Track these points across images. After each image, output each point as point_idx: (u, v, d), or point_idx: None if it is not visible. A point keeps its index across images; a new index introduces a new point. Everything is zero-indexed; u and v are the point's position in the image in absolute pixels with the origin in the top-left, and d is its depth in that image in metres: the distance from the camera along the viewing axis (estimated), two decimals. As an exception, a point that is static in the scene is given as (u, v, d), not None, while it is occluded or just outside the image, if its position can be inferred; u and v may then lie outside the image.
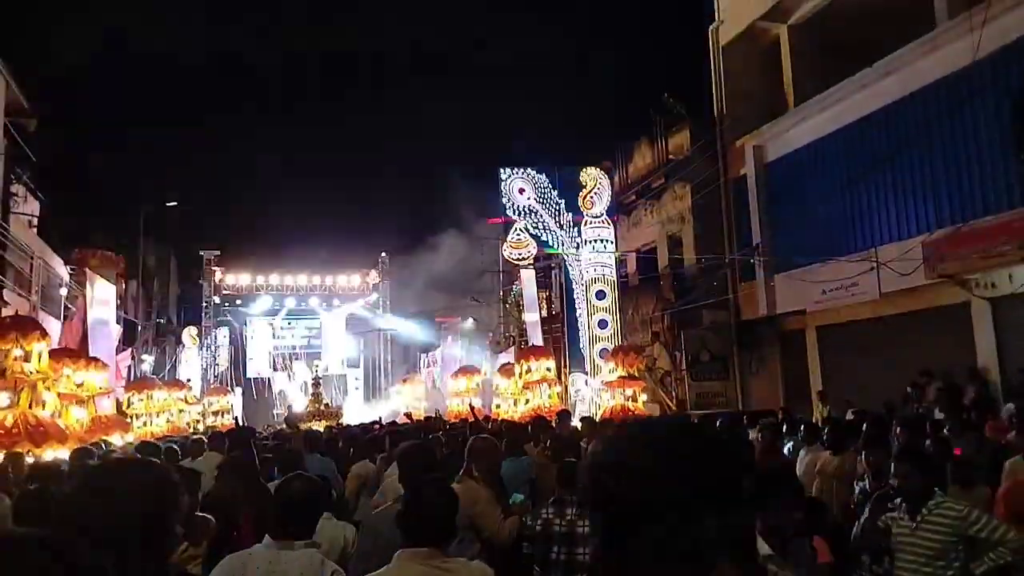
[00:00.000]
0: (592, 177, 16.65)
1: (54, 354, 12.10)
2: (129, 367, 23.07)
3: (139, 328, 29.35)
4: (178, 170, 51.29)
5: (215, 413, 22.43)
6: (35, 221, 19.89)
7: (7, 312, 15.36)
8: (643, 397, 14.36)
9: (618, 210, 19.99)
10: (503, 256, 17.57)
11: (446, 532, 2.71)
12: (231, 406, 23.21)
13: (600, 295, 16.72)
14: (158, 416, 15.84)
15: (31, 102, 18.51)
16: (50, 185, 22.51)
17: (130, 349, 23.42)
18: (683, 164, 18.86)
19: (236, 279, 34.37)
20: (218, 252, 32.69)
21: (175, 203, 30.29)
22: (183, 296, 35.74)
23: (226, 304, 34.00)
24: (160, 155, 51.97)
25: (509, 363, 19.41)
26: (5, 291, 15.61)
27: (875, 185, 14.20)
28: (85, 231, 27.89)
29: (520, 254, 17.51)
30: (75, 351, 13.68)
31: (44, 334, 9.86)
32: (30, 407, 9.07)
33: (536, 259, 18.68)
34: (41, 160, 20.52)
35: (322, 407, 21.71)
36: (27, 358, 9.13)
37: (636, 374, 13.83)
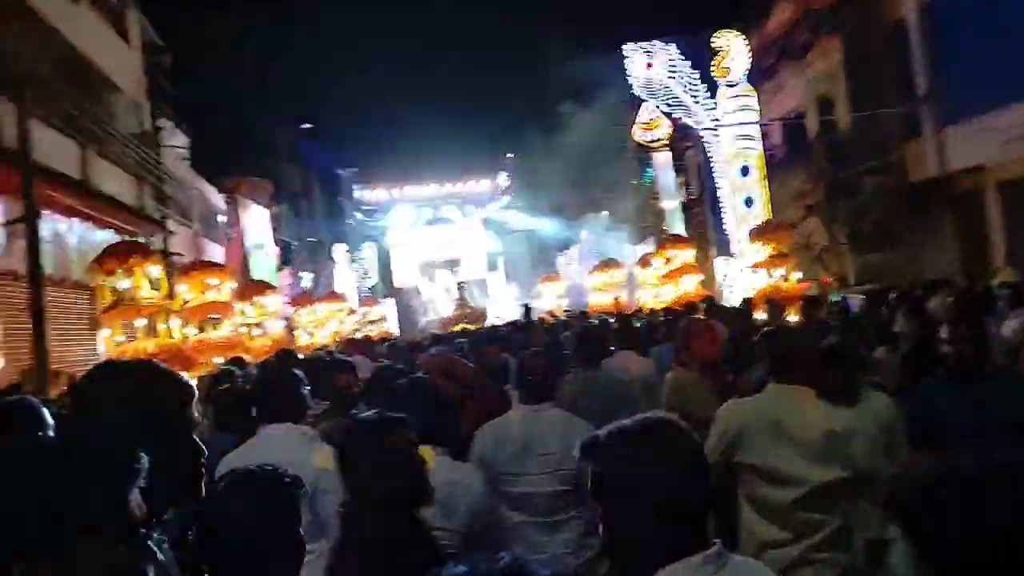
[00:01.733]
0: (726, 40, 15.15)
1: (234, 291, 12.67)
2: (290, 285, 24.50)
3: (293, 248, 31.03)
4: (310, 93, 52.56)
5: (371, 322, 23.55)
6: (187, 154, 21.06)
7: (174, 241, 16.53)
8: (796, 275, 13.36)
9: (758, 75, 18.26)
10: (634, 139, 16.51)
11: None
12: (384, 315, 24.21)
13: (745, 171, 15.52)
14: (320, 328, 16.67)
15: (166, 39, 19.26)
16: (195, 119, 23.73)
17: (289, 268, 24.77)
18: (830, 12, 16.78)
19: (374, 194, 35.32)
20: (356, 170, 33.55)
21: (311, 125, 31.14)
22: (331, 215, 37.25)
23: (368, 219, 35.13)
24: (291, 80, 53.49)
25: (649, 253, 18.77)
26: (169, 222, 16.70)
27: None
28: (234, 160, 29.44)
29: (653, 136, 16.45)
30: (253, 285, 14.27)
31: (157, 258, 9.75)
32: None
33: (670, 139, 17.52)
34: (183, 95, 21.54)
35: (467, 311, 22.14)
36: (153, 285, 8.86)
37: (787, 251, 12.81)
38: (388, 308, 34.19)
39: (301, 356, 7.28)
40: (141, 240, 13.58)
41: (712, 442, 2.90)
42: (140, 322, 8.22)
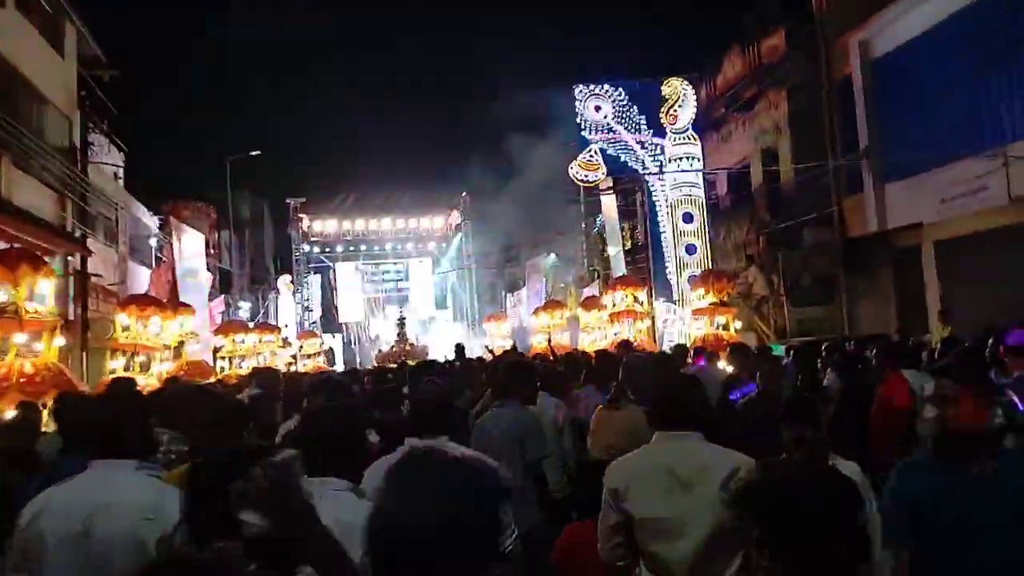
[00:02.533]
0: (675, 88, 15.23)
1: (139, 301, 12.28)
2: (223, 314, 23.63)
3: (233, 276, 30.15)
4: (260, 120, 52.28)
5: (308, 356, 22.75)
6: (120, 172, 20.28)
7: (97, 262, 15.70)
8: (736, 325, 13.24)
9: (706, 126, 18.44)
10: (573, 178, 16.40)
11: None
12: (323, 349, 23.45)
13: (687, 218, 15.48)
14: (245, 360, 15.93)
15: (106, 53, 18.61)
16: (135, 138, 23.02)
17: (223, 296, 23.91)
18: (778, 68, 17.08)
19: (323, 226, 34.65)
20: (303, 200, 32.91)
21: (258, 152, 30.51)
22: (279, 245, 36.46)
23: (315, 251, 34.42)
24: (241, 106, 53.13)
25: (593, 296, 18.58)
26: (91, 241, 15.89)
27: (1006, 72, 12.27)
28: (175, 183, 28.63)
29: (589, 176, 16.32)
30: (155, 299, 13.73)
31: (50, 271, 8.74)
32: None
33: (616, 183, 17.45)
34: (121, 111, 20.84)
35: (407, 347, 21.56)
36: (31, 297, 8.04)
37: (728, 300, 12.68)
38: (334, 342, 33.51)
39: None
40: (40, 253, 12.87)
41: (606, 501, 2.80)
42: (20, 337, 7.53)
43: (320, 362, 22.81)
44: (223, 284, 29.79)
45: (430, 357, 20.92)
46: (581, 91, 15.29)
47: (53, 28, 14.15)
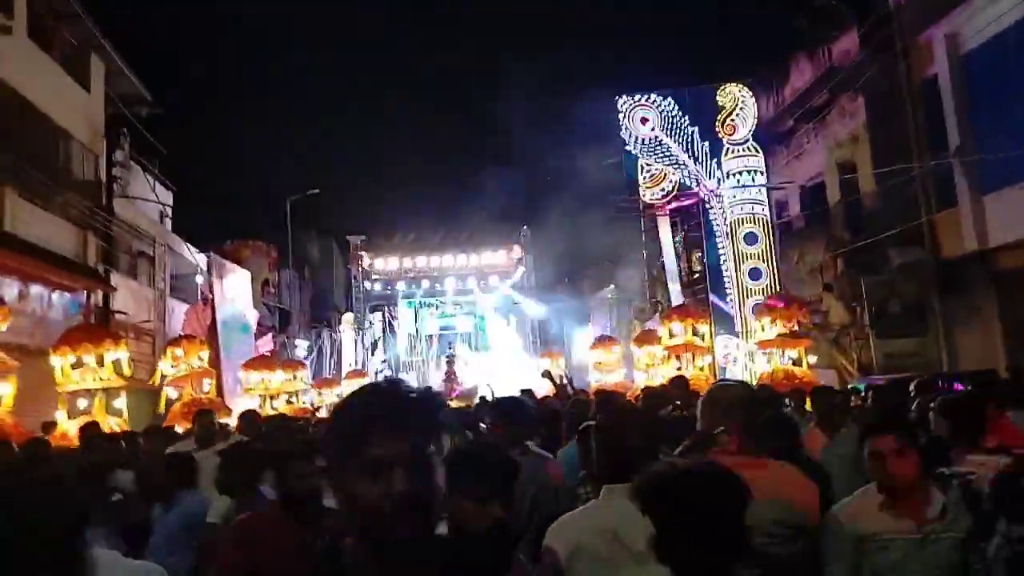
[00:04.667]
0: (732, 96, 13.63)
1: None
2: (272, 352, 23.04)
3: (292, 315, 29.83)
4: (316, 158, 53.17)
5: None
6: (167, 211, 20.11)
7: (126, 300, 15.26)
8: (811, 359, 11.37)
9: (773, 140, 16.67)
10: (644, 200, 14.91)
11: None
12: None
13: (751, 238, 13.71)
14: (271, 399, 15.03)
15: (152, 91, 18.52)
16: (189, 177, 23.04)
17: (270, 335, 23.37)
18: (852, 73, 15.24)
19: (385, 263, 34.16)
20: (363, 237, 32.54)
21: (317, 191, 30.38)
22: (338, 283, 36.25)
23: (377, 288, 33.93)
24: (302, 145, 54.13)
25: (650, 330, 16.93)
26: (122, 279, 15.49)
27: None
28: (235, 222, 28.70)
29: (662, 191, 14.79)
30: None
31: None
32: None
33: (670, 202, 15.81)
34: (173, 150, 20.78)
35: (454, 386, 20.31)
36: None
37: (799, 330, 10.86)
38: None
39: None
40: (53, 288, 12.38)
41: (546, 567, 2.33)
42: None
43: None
44: (282, 323, 29.49)
45: (479, 397, 19.63)
46: (625, 103, 13.89)
47: (76, 61, 13.90)
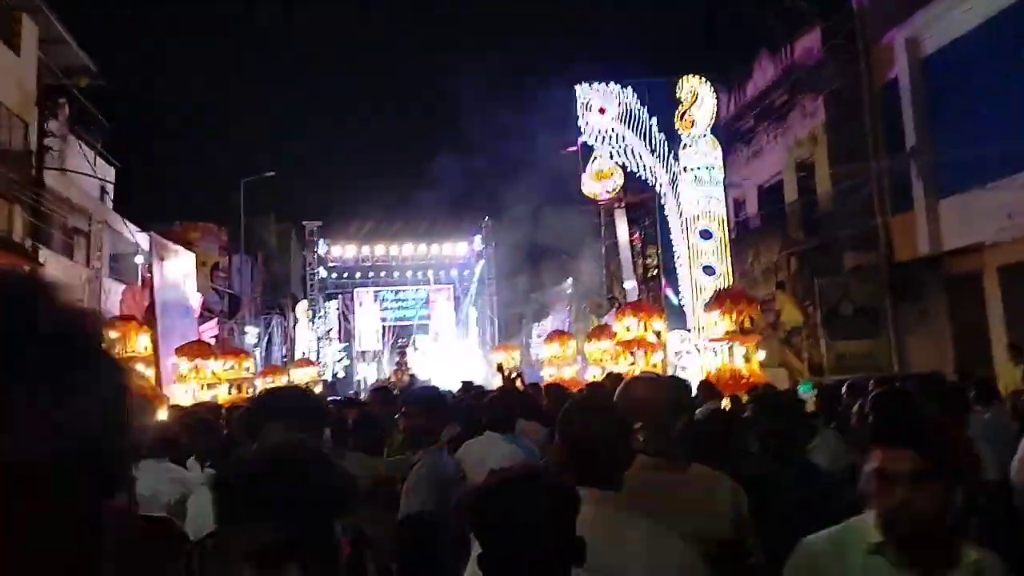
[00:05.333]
0: (691, 88, 13.37)
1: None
2: (216, 338, 22.28)
3: (242, 301, 28.99)
4: (275, 141, 52.09)
5: (307, 385, 21.20)
6: (108, 188, 19.26)
7: (53, 277, 14.48)
8: (759, 356, 11.16)
9: (734, 138, 16.52)
10: (584, 191, 14.47)
11: None
12: (318, 379, 21.87)
13: (706, 235, 13.48)
14: (208, 388, 14.36)
15: (100, 62, 17.65)
16: (137, 152, 22.14)
17: (216, 320, 22.61)
18: (813, 73, 15.13)
19: (342, 251, 33.50)
20: (319, 223, 31.83)
21: (273, 173, 29.53)
22: (292, 269, 35.42)
23: (333, 276, 33.25)
24: (253, 125, 53.05)
25: (604, 325, 16.68)
26: (51, 255, 14.71)
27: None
28: (186, 202, 27.78)
29: (606, 187, 14.38)
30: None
31: None
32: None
33: (621, 197, 15.50)
34: (118, 126, 19.93)
35: (405, 377, 19.85)
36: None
37: (748, 326, 10.64)
38: (368, 370, 32.09)
39: None
40: None
41: None
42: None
43: (317, 392, 21.25)
44: (232, 309, 28.63)
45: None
46: (583, 91, 13.55)
47: (3, 21, 13.10)
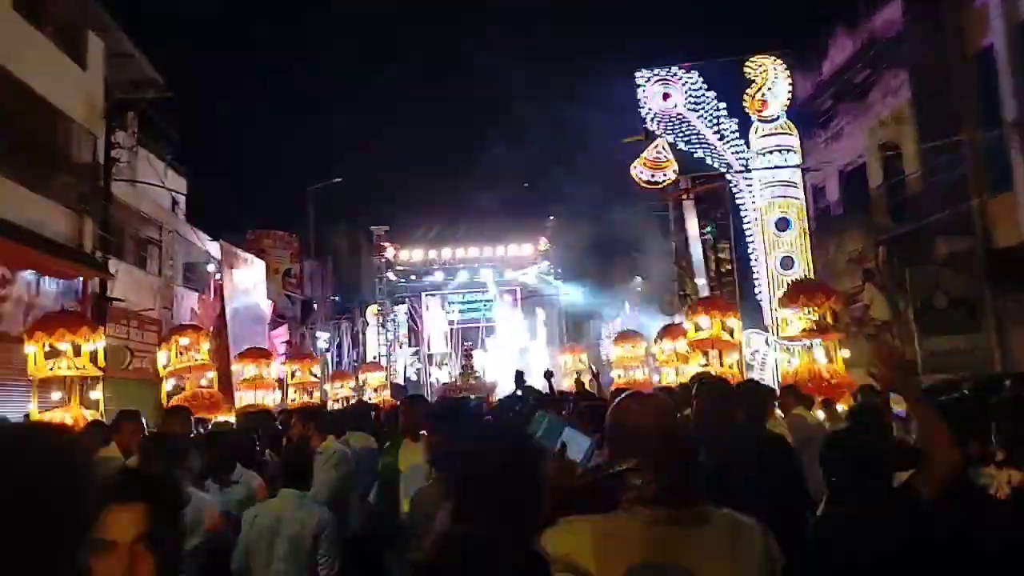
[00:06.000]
0: (763, 68, 12.53)
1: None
2: (287, 343, 22.55)
3: (314, 306, 29.34)
4: (343, 149, 52.76)
5: (376, 389, 21.19)
6: (180, 199, 19.66)
7: (127, 287, 14.77)
8: (844, 353, 10.28)
9: (810, 121, 15.50)
10: (634, 178, 13.68)
11: None
12: (385, 382, 21.84)
13: (782, 224, 12.60)
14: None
15: (162, 73, 18.03)
16: (198, 164, 22.61)
17: (285, 325, 22.86)
18: (896, 46, 14.02)
19: (410, 255, 33.58)
20: (387, 228, 31.97)
21: (340, 180, 29.84)
22: (360, 274, 35.76)
23: (400, 281, 33.38)
24: (319, 133, 53.81)
25: (675, 324, 15.96)
26: (125, 267, 15.02)
27: None
28: (254, 211, 28.29)
29: (656, 176, 13.56)
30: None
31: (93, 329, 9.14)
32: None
33: (693, 185, 14.68)
34: (189, 138, 20.34)
35: (471, 380, 19.50)
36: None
37: (829, 322, 9.79)
38: (440, 374, 32.13)
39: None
40: (70, 308, 11.87)
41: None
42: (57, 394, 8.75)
43: (385, 396, 21.20)
44: (304, 314, 29.03)
45: (495, 394, 18.84)
46: (644, 77, 12.85)
47: (70, 38, 13.38)
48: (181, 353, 11.66)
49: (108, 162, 13.93)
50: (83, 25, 13.75)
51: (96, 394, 9.11)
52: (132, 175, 15.84)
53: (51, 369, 8.80)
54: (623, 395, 1.87)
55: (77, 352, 9.03)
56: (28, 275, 11.96)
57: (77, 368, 9.01)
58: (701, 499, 1.68)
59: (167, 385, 11.87)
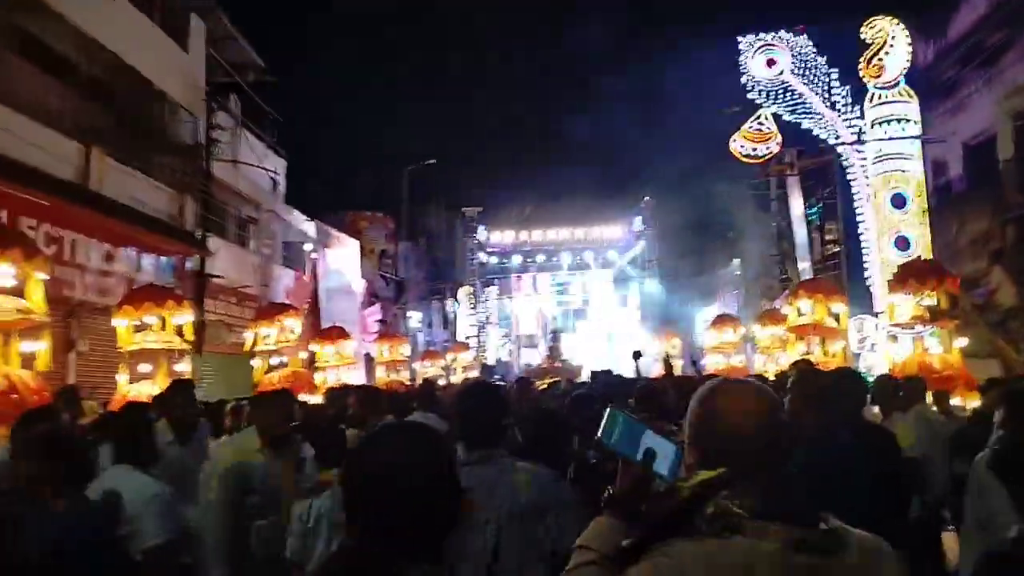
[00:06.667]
0: (881, 31, 11.46)
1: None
2: (380, 322, 22.88)
3: (408, 286, 29.74)
4: (433, 129, 52.97)
5: (464, 368, 21.23)
6: (279, 180, 20.15)
7: (227, 264, 15.22)
8: (961, 343, 9.29)
9: (932, 90, 14.19)
10: (733, 151, 12.78)
11: None
12: (474, 363, 21.83)
13: (898, 201, 11.55)
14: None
15: (262, 56, 18.47)
16: (298, 145, 23.15)
17: (378, 305, 23.19)
18: (1035, 2, 12.57)
19: (501, 236, 33.57)
20: (480, 210, 31.99)
21: (434, 160, 30.00)
22: (454, 255, 36.02)
23: (493, 261, 33.41)
24: (416, 114, 54.14)
25: (774, 308, 15.10)
26: (225, 244, 15.49)
27: None
28: (349, 192, 28.84)
29: (759, 150, 12.64)
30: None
31: (179, 303, 9.24)
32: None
33: (799, 159, 13.67)
34: (290, 120, 20.84)
35: (557, 364, 19.17)
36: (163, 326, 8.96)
37: (944, 307, 8.84)
38: (532, 356, 32.09)
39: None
40: (168, 284, 12.28)
41: None
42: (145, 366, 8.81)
43: (475, 375, 21.19)
44: (398, 294, 29.47)
45: (580, 377, 18.44)
46: (748, 42, 11.99)
47: (174, 20, 13.80)
48: (277, 329, 11.79)
49: (209, 143, 14.32)
50: (186, 7, 14.13)
51: (183, 366, 9.30)
52: (233, 156, 16.31)
53: (137, 342, 9.01)
54: (713, 382, 1.46)
55: (164, 326, 9.24)
56: (128, 252, 12.44)
57: (164, 341, 9.20)
58: (827, 514, 1.28)
59: (257, 362, 11.99)
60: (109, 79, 12.10)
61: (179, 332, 9.26)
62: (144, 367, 9.19)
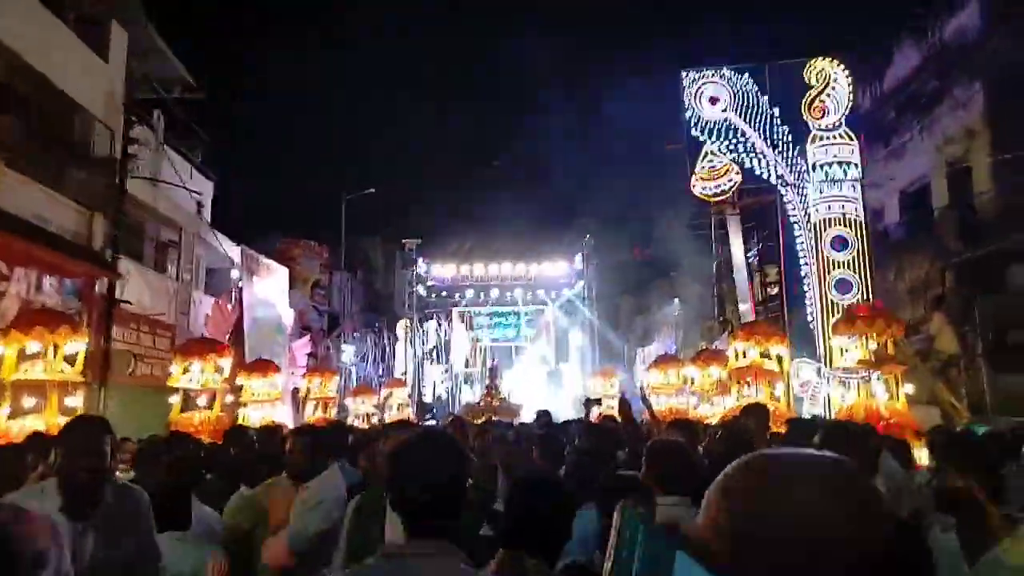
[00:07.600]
0: (822, 72, 11.46)
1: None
2: (310, 355, 21.84)
3: (341, 318, 28.71)
4: (373, 159, 52.43)
5: (400, 407, 20.28)
6: (205, 201, 19.14)
7: (138, 288, 14.15)
8: (907, 389, 9.08)
9: (870, 134, 14.33)
10: (696, 193, 12.58)
11: None
12: (408, 400, 20.96)
13: (839, 244, 11.45)
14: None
15: (192, 72, 17.60)
16: (227, 167, 22.23)
17: (308, 337, 22.17)
18: (968, 53, 12.84)
19: (442, 269, 32.91)
20: (419, 241, 31.34)
21: (373, 189, 29.33)
22: (391, 287, 35.16)
23: (432, 296, 32.67)
24: (355, 142, 53.56)
25: (715, 349, 14.82)
26: (137, 268, 14.43)
27: None
28: (285, 219, 27.85)
29: (718, 187, 12.47)
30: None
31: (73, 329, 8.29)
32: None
33: (734, 200, 13.54)
34: (221, 142, 19.91)
35: (495, 401, 18.49)
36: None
37: (890, 352, 8.62)
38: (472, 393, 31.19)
39: None
40: (71, 309, 11.26)
41: None
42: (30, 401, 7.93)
43: (409, 412, 20.29)
44: (330, 326, 28.41)
45: (522, 419, 17.77)
46: (692, 78, 11.85)
47: (92, 28, 12.92)
48: (206, 369, 10.83)
49: (125, 158, 13.36)
50: (107, 15, 13.28)
51: (74, 400, 8.32)
52: (153, 174, 15.33)
53: (23, 372, 8.07)
54: (762, 455, 0.86)
55: (55, 354, 8.30)
56: (25, 272, 11.36)
57: (56, 372, 8.26)
58: None
59: (175, 398, 10.95)
60: (16, 85, 11.15)
61: (71, 362, 8.33)
62: (30, 401, 8.21)
